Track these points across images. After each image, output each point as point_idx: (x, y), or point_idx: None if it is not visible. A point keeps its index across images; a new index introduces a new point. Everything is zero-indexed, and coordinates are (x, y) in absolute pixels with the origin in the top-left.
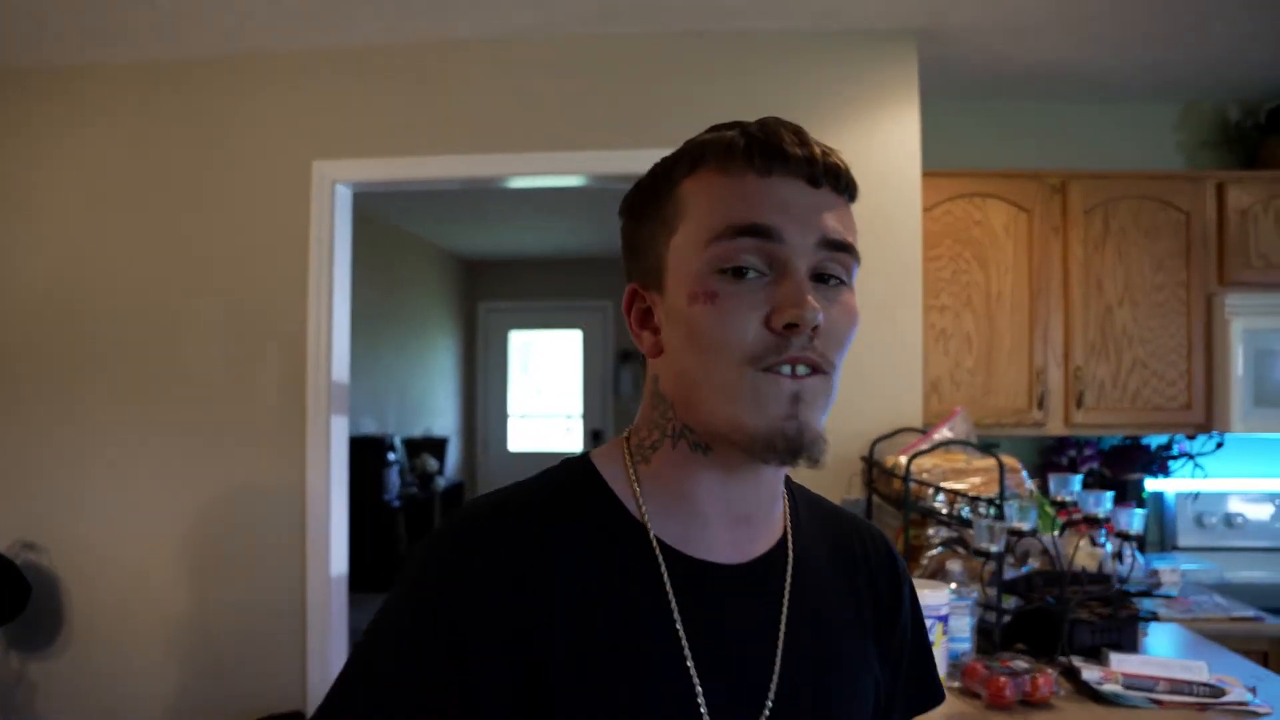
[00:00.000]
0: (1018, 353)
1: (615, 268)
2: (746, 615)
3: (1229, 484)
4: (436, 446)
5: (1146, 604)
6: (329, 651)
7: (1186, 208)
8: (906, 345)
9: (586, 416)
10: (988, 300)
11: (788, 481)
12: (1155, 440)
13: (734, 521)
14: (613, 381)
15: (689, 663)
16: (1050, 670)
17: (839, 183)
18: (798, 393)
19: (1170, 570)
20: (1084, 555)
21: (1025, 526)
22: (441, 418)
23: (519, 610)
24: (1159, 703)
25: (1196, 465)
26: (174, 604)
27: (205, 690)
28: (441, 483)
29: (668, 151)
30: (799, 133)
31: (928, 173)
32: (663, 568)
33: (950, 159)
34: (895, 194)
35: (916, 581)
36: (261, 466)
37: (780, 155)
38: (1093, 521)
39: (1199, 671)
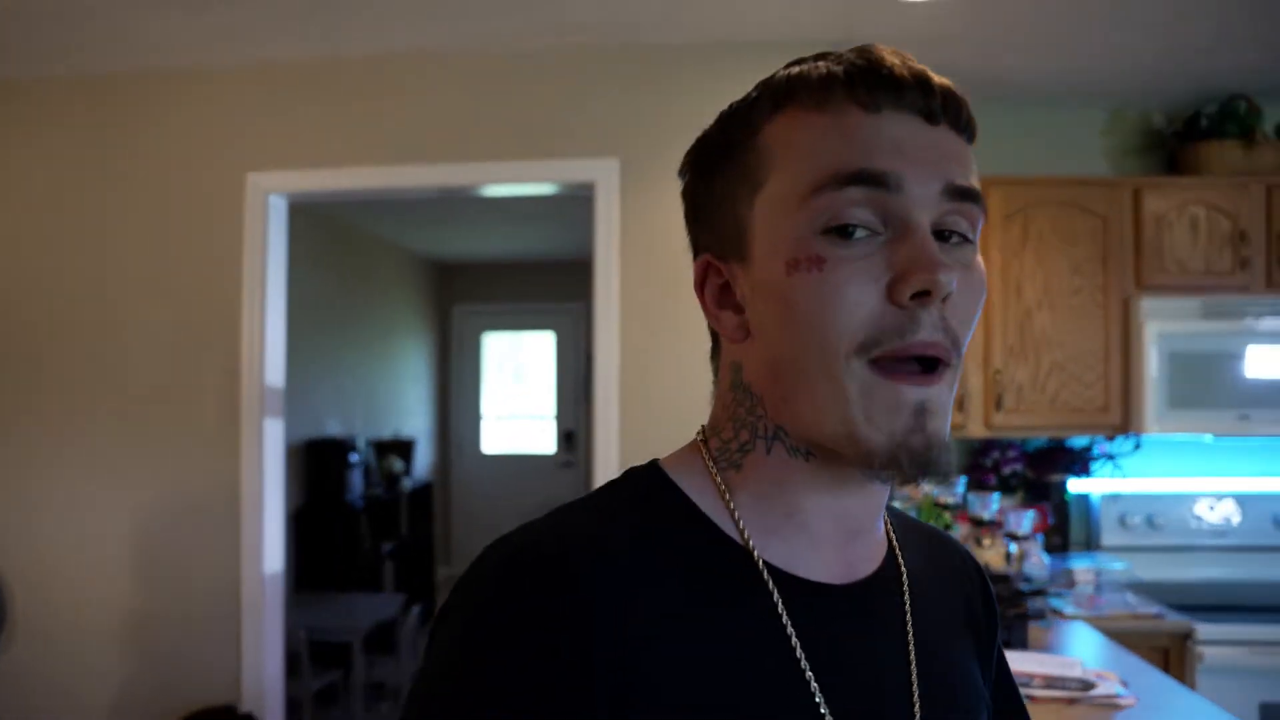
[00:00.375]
0: None
1: (587, 270)
2: (870, 643)
3: (1149, 484)
4: (404, 448)
5: (1053, 602)
6: (263, 646)
7: (1104, 213)
8: None
9: (560, 418)
10: None
11: None
12: (1078, 442)
13: (846, 537)
14: (584, 384)
15: (822, 708)
16: None
17: (960, 119)
18: (924, 403)
19: (1084, 570)
20: (985, 555)
21: None
22: (413, 420)
23: (596, 672)
24: (1032, 698)
25: (1116, 466)
26: (114, 602)
27: (144, 686)
28: (409, 484)
29: (608, 161)
30: (908, 59)
31: None
32: (775, 596)
33: None
34: None
35: None
36: (198, 468)
37: (892, 85)
38: (978, 523)
39: (1073, 667)
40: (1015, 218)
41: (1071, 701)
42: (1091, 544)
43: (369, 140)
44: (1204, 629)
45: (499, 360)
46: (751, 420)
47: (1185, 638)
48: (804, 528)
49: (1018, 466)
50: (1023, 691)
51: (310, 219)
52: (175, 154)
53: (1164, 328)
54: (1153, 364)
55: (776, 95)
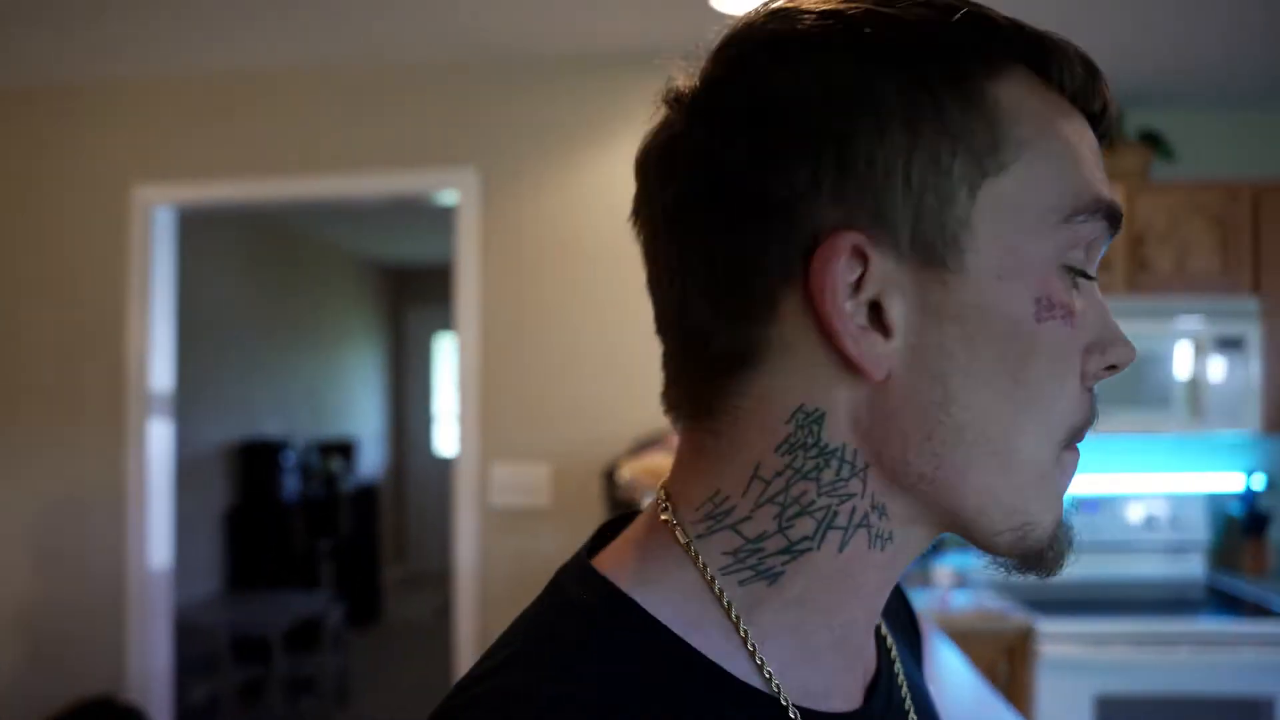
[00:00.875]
0: None
1: None
2: None
3: None
4: (346, 449)
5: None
6: (149, 640)
7: None
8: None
9: None
10: None
11: None
12: None
13: (860, 648)
14: None
15: None
16: None
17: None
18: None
19: (943, 569)
20: None
21: None
22: (362, 421)
23: None
24: None
25: None
26: (5, 597)
27: (32, 678)
28: (350, 484)
29: (467, 170)
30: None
31: None
32: None
33: None
34: None
35: None
36: (88, 468)
37: (1098, 96)
38: None
39: None
40: None
41: None
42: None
43: (251, 152)
44: (1043, 625)
45: (452, 362)
46: (829, 502)
47: (1029, 635)
48: (845, 643)
49: None
50: None
51: (253, 227)
52: (62, 166)
53: None
54: None
55: (996, 42)
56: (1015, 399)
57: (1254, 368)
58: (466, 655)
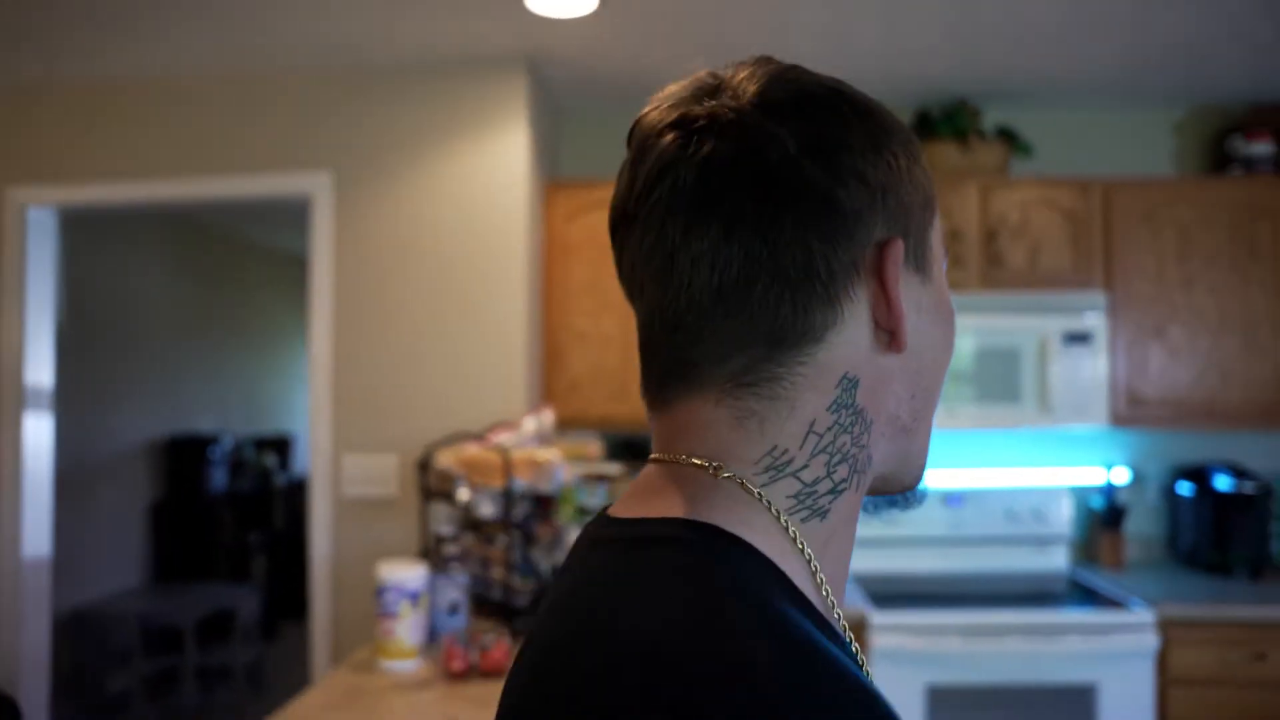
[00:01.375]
0: None
1: None
2: None
3: None
4: (281, 445)
5: None
6: (21, 629)
7: None
8: (509, 347)
9: None
10: (625, 304)
11: None
12: None
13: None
14: None
15: None
16: (506, 642)
17: None
18: None
19: None
20: None
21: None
22: (299, 418)
23: None
24: None
25: None
26: None
27: None
28: (283, 479)
29: (322, 174)
30: None
31: (567, 184)
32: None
33: (599, 169)
34: (502, 207)
35: (391, 562)
36: None
37: None
38: (583, 511)
39: None
40: None
41: None
42: None
43: (125, 156)
44: (876, 617)
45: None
46: (854, 452)
47: (861, 626)
48: (847, 571)
49: None
50: None
51: (180, 226)
52: None
53: None
54: None
55: (907, 131)
56: (939, 372)
57: (1101, 363)
58: (322, 644)
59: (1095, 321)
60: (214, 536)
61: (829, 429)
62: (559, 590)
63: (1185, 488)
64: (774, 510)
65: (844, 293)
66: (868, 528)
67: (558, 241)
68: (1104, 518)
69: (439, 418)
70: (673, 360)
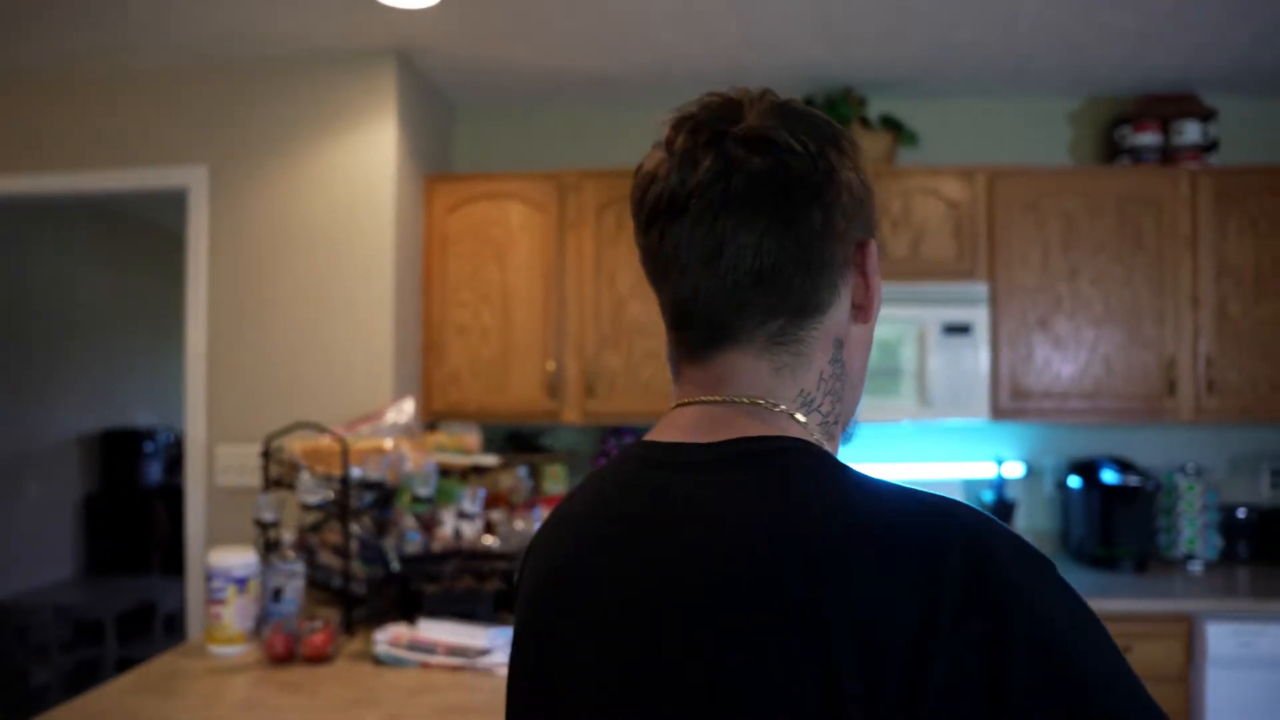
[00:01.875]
0: (533, 345)
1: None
2: None
3: None
4: None
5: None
6: None
7: None
8: (377, 339)
9: None
10: (505, 295)
11: None
12: None
13: None
14: None
15: None
16: (332, 628)
17: None
18: None
19: None
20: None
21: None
22: None
23: None
24: (425, 664)
25: None
26: None
27: None
28: None
29: (198, 167)
30: None
31: (448, 177)
32: None
33: (489, 163)
34: (372, 200)
35: (222, 549)
36: None
37: None
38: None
39: (478, 637)
40: (609, 209)
41: (455, 669)
42: None
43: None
44: None
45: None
46: (843, 394)
47: None
48: None
49: None
50: (418, 658)
51: (116, 221)
52: None
53: None
54: None
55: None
56: (872, 336)
57: (983, 355)
58: (195, 629)
59: (977, 313)
60: (149, 530)
61: (831, 376)
62: (637, 507)
63: (1075, 481)
64: (814, 435)
65: (841, 279)
66: None
67: (437, 235)
68: (993, 512)
69: (309, 409)
70: (718, 324)
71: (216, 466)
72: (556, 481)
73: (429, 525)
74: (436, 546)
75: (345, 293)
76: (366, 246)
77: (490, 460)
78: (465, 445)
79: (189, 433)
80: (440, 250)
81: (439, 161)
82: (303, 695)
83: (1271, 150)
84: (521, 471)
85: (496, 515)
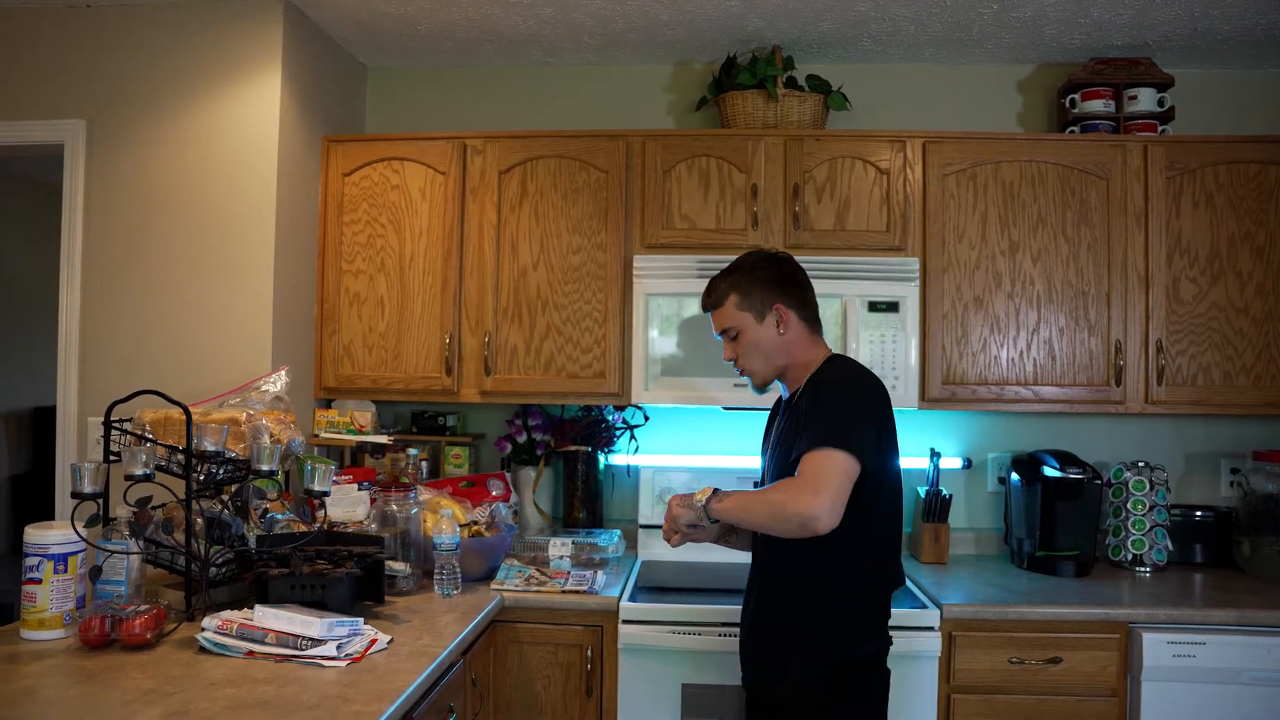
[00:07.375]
0: (429, 317)
1: None
2: None
3: (671, 459)
4: None
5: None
6: None
7: (606, 167)
8: (258, 308)
9: None
10: (401, 264)
11: None
12: (610, 413)
13: None
14: None
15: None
16: (161, 612)
17: (709, 303)
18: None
19: (559, 543)
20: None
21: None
22: None
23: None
24: (251, 654)
25: (633, 437)
26: None
27: None
28: None
29: (75, 122)
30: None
31: (345, 139)
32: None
33: (402, 127)
34: (252, 159)
35: (43, 525)
36: None
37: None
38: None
39: (312, 627)
40: (512, 173)
41: (282, 659)
42: (609, 517)
43: None
44: (626, 608)
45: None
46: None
47: (612, 617)
48: None
49: (547, 435)
50: (242, 646)
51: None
52: None
53: (655, 288)
54: (639, 328)
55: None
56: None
57: (913, 335)
58: None
59: (908, 289)
60: None
61: (793, 342)
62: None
63: (1015, 477)
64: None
65: (783, 316)
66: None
67: (334, 199)
68: (925, 508)
69: (190, 377)
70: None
71: (90, 440)
72: (458, 464)
73: (312, 506)
74: (282, 528)
75: (226, 256)
76: (248, 207)
77: (382, 439)
78: (356, 423)
79: (60, 404)
80: (335, 215)
81: (348, 125)
82: (92, 685)
83: (1229, 122)
84: (412, 452)
85: (376, 496)
